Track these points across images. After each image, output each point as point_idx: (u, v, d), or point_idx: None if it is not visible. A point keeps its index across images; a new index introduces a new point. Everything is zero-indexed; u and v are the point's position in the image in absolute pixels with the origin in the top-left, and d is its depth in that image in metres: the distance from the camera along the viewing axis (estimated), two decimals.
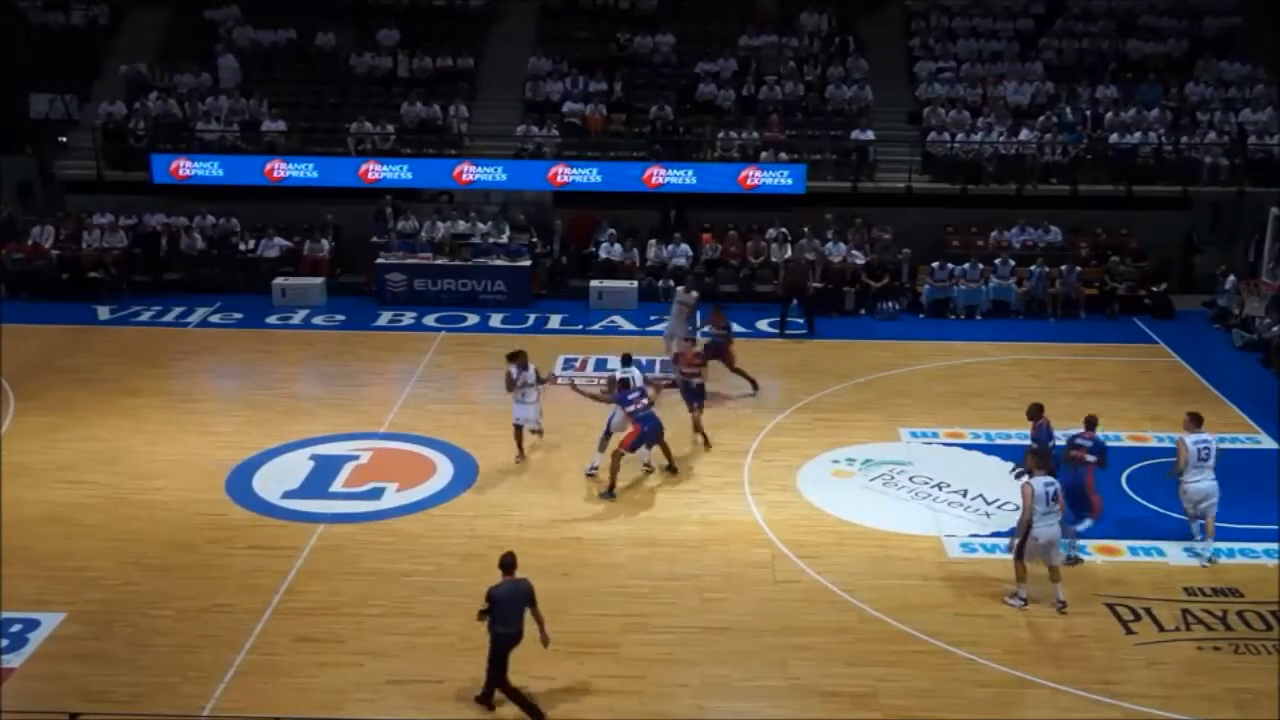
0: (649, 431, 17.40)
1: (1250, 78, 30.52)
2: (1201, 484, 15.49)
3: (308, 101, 30.81)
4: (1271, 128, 28.94)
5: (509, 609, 12.06)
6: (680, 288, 22.92)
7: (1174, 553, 15.79)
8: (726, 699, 12.75)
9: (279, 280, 27.14)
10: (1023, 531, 14.14)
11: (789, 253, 27.33)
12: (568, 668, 13.11)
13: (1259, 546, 15.97)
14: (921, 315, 26.46)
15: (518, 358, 18.25)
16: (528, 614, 12.19)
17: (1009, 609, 14.41)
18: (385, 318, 26.16)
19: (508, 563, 12.30)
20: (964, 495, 17.41)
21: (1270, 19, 32.31)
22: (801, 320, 25.29)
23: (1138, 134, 28.88)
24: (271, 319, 25.95)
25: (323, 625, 13.92)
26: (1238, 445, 19.31)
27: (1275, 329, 23.82)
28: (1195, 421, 15.82)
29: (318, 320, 25.98)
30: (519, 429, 18.42)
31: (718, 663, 13.34)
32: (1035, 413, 16.41)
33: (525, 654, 13.25)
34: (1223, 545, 15.93)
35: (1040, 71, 30.87)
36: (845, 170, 28.91)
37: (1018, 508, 16.71)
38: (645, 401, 17.56)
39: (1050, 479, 14.25)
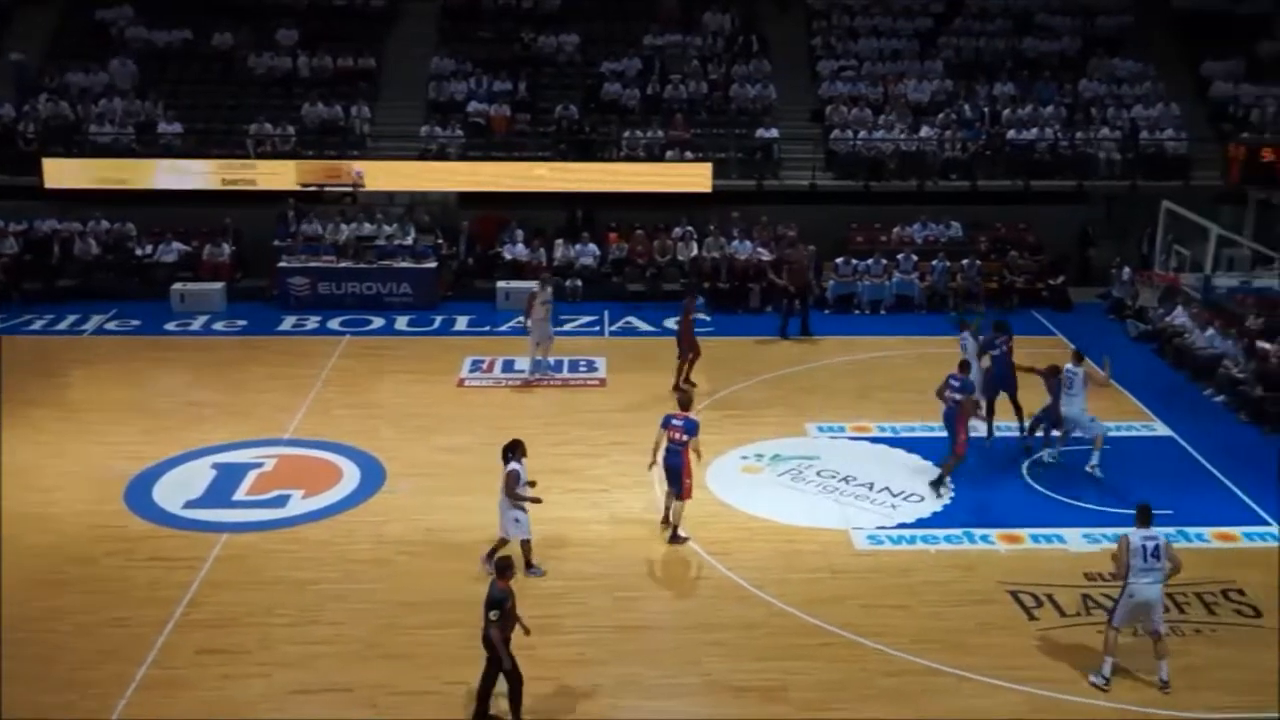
0: (667, 465, 15.82)
1: (1141, 74, 31.31)
2: (1070, 409, 18.02)
3: (204, 103, 30.23)
4: (1162, 123, 29.72)
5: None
6: (537, 286, 22.52)
7: (1074, 539, 16.13)
8: (640, 698, 12.75)
9: (177, 286, 26.63)
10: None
11: (694, 251, 27.55)
12: (480, 672, 13.00)
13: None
14: (827, 311, 26.70)
15: (518, 449, 14.93)
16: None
17: (916, 599, 14.60)
18: (288, 322, 25.78)
19: (498, 566, 12.20)
20: (870, 488, 17.62)
21: (1159, 17, 33.19)
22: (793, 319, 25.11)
23: (1034, 130, 29.47)
24: (170, 325, 25.44)
25: (227, 636, 13.66)
26: (1134, 433, 19.80)
27: (1168, 319, 24.44)
28: (1076, 358, 18.55)
29: (218, 326, 25.53)
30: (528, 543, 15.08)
31: (630, 661, 13.34)
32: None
33: (438, 658, 13.24)
34: (1120, 530, 16.25)
35: (939, 70, 31.36)
36: (750, 168, 29.13)
37: (922, 499, 17.16)
38: (680, 435, 15.68)
39: (1150, 532, 12.78)
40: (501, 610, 11.75)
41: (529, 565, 15.00)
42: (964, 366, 18.21)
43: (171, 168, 27.94)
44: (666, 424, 15.88)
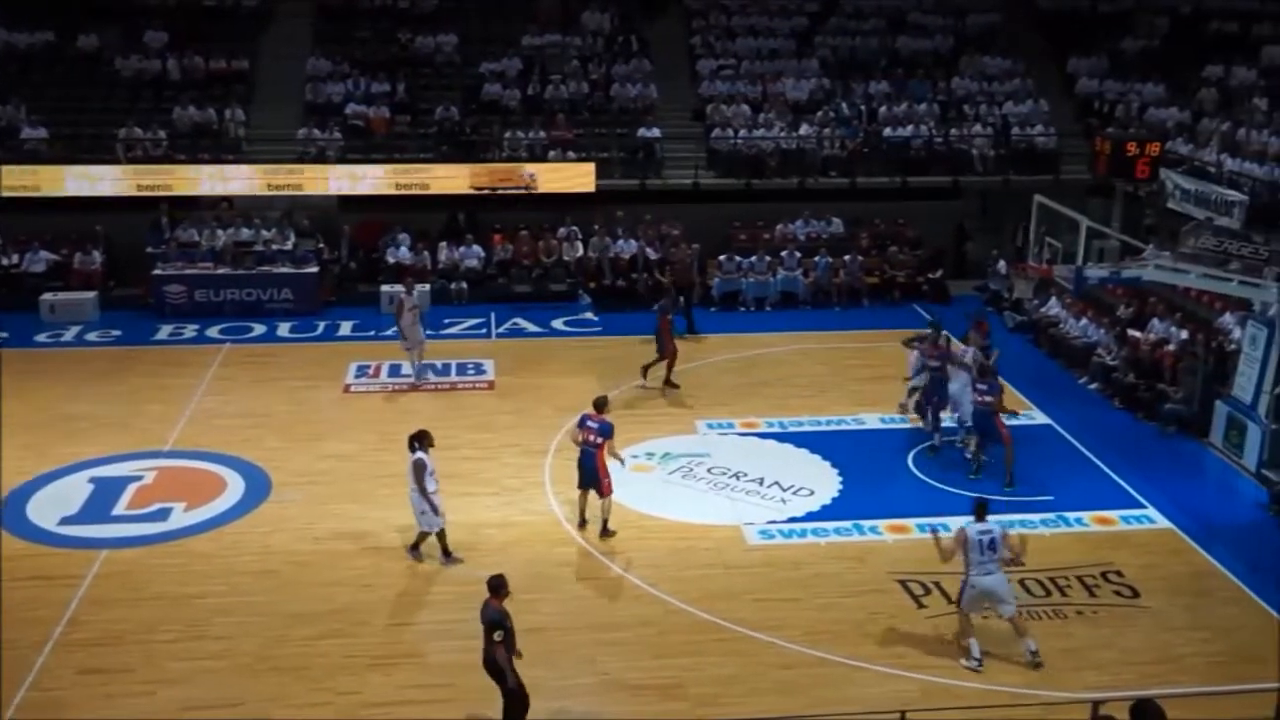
0: (580, 467, 16.00)
1: (1011, 72, 32.09)
2: (953, 385, 18.86)
3: (71, 106, 29.27)
4: (1032, 119, 30.48)
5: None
6: (404, 292, 22.11)
7: (958, 527, 16.40)
8: (537, 699, 12.62)
9: (47, 296, 25.78)
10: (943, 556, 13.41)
11: (580, 251, 27.55)
12: (373, 680, 12.88)
13: (1036, 517, 16.82)
14: (713, 309, 26.86)
15: (426, 439, 15.38)
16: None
17: (808, 592, 14.78)
18: (165, 331, 25.11)
19: (489, 585, 11.87)
20: (760, 483, 17.79)
21: (1026, 15, 34.10)
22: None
23: (910, 127, 29.99)
24: (41, 337, 24.58)
25: (109, 655, 13.29)
26: (1014, 422, 20.20)
27: (1043, 310, 25.11)
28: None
29: (91, 337, 24.77)
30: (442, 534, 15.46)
31: (527, 664, 13.15)
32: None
33: (330, 669, 13.03)
34: (1003, 517, 16.67)
35: (816, 68, 31.75)
36: (633, 168, 29.14)
37: (813, 493, 17.40)
38: (594, 437, 15.81)
39: (985, 526, 13.21)
40: (504, 629, 11.58)
41: (445, 553, 15.40)
42: (983, 370, 18.31)
43: (344, 174, 27.61)
44: (582, 424, 15.99)
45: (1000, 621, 13.68)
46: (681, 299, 24.99)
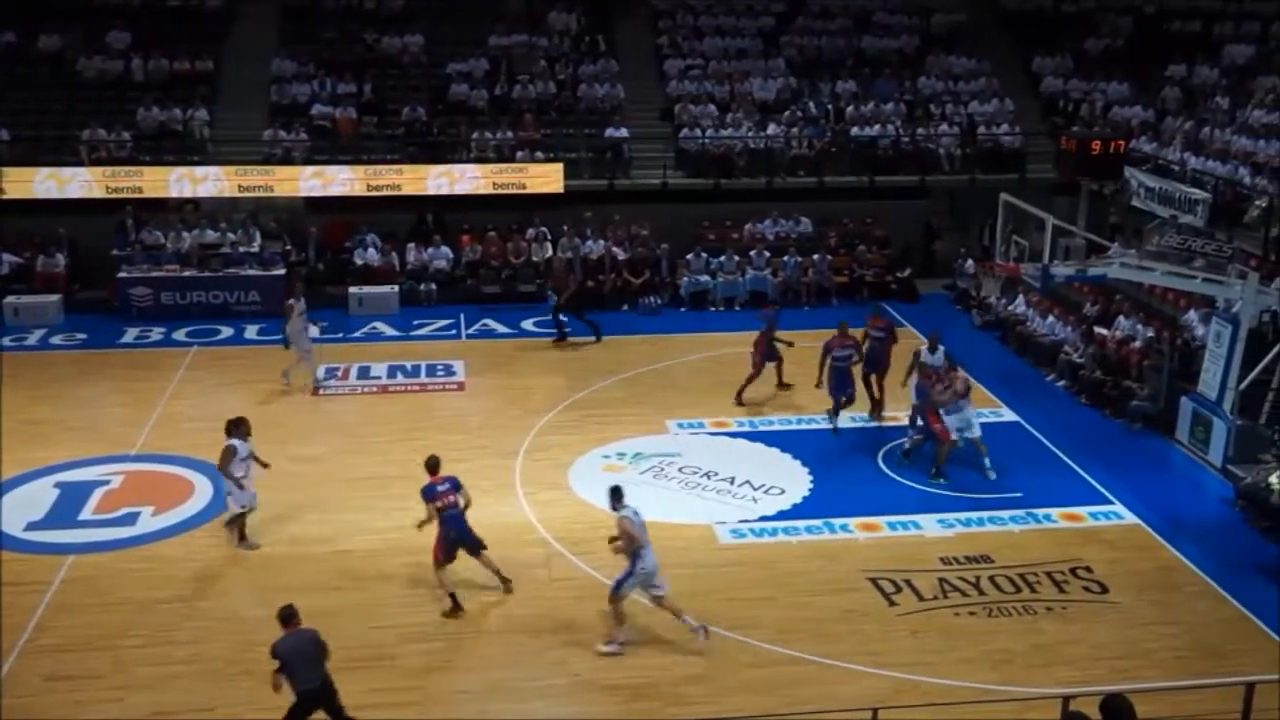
0: (454, 536, 14.30)
1: (976, 71, 32.26)
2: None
3: (33, 108, 28.99)
4: (998, 118, 30.65)
5: (299, 663, 11.38)
6: (291, 298, 21.80)
7: (929, 524, 16.56)
8: (509, 701, 12.69)
9: (10, 299, 25.55)
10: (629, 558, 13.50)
11: (549, 252, 27.56)
12: (344, 683, 12.71)
13: (1005, 514, 16.92)
14: (683, 309, 26.90)
15: (241, 426, 15.63)
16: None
17: (779, 591, 14.81)
18: (131, 334, 24.91)
19: (285, 615, 11.57)
20: (731, 483, 17.80)
21: (990, 15, 34.31)
22: (579, 323, 24.79)
23: (877, 126, 30.10)
24: (4, 340, 24.30)
25: (77, 661, 13.17)
26: (982, 419, 20.32)
27: (1010, 308, 25.26)
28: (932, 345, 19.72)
29: (56, 340, 24.53)
30: (242, 517, 15.78)
31: (498, 666, 13.27)
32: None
33: None
34: (972, 515, 16.85)
35: (783, 68, 31.82)
36: (601, 168, 29.11)
37: (784, 492, 17.45)
38: (454, 499, 14.26)
39: (637, 510, 13.53)
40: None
41: (242, 537, 15.82)
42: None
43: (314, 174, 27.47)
44: (432, 495, 14.23)
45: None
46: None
